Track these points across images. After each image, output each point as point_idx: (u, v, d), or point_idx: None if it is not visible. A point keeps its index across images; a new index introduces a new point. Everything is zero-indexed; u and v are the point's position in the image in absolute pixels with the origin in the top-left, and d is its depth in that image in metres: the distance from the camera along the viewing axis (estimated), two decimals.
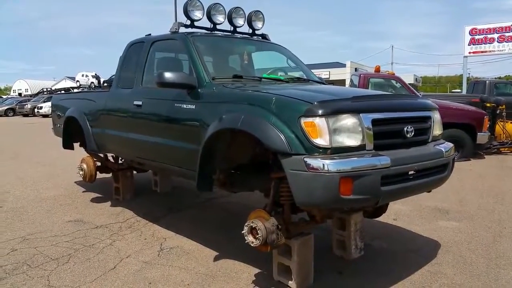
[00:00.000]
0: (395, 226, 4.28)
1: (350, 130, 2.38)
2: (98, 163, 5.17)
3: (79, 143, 5.50)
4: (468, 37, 21.57)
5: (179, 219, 4.52)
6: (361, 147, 2.41)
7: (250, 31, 4.12)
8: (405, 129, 2.66)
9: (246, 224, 2.76)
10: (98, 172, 5.14)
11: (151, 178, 5.88)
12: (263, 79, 3.42)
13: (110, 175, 5.35)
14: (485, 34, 21.20)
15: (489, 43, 21.14)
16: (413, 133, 2.70)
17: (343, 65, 38.71)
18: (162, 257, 3.46)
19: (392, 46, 50.67)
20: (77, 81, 42.25)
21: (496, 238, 3.93)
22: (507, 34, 20.69)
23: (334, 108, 2.38)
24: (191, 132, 3.12)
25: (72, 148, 5.57)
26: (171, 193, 5.71)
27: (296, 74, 3.99)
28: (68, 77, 56.90)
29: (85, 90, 6.61)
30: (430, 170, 2.76)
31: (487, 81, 13.73)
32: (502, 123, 9.30)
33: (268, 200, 2.88)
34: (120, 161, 5.20)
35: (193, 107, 3.12)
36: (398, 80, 9.12)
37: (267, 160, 3.09)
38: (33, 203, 5.14)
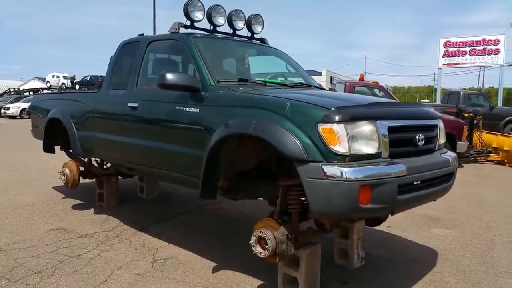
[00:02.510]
0: (390, 234, 4.27)
1: (367, 137, 2.33)
2: (81, 168, 4.91)
3: (59, 146, 5.23)
4: (442, 49, 22.35)
5: (169, 227, 4.33)
6: (377, 155, 2.36)
7: (249, 34, 4.02)
8: (417, 137, 2.64)
9: (253, 233, 2.65)
10: (81, 178, 4.88)
11: (136, 184, 5.64)
12: (267, 84, 3.33)
13: (89, 180, 5.08)
14: (458, 47, 22.04)
15: (461, 55, 21.99)
16: (423, 142, 2.69)
17: (319, 73, 39.20)
18: (156, 269, 3.27)
19: (366, 57, 52.04)
20: (47, 81, 40.95)
21: (488, 245, 3.98)
22: (477, 48, 21.61)
23: (352, 114, 2.32)
24: (194, 137, 2.98)
25: (53, 151, 5.27)
26: (157, 199, 5.49)
27: (296, 79, 3.92)
28: (37, 78, 54.85)
29: (56, 91, 6.30)
30: (439, 179, 2.75)
31: (461, 92, 14.23)
32: (478, 132, 9.60)
33: (276, 208, 2.78)
34: (105, 166, 4.96)
35: (197, 110, 2.98)
36: (381, 88, 9.29)
37: (270, 166, 3.01)
38: (8, 211, 4.80)
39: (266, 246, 2.56)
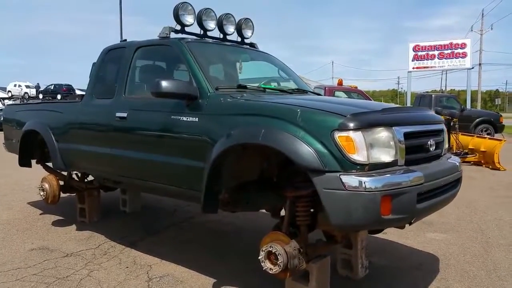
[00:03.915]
0: (387, 240, 4.21)
1: (385, 145, 2.24)
2: (61, 182, 4.60)
3: (36, 159, 4.89)
4: (411, 53, 22.94)
5: (159, 241, 4.10)
6: (394, 163, 2.27)
7: (239, 39, 3.88)
8: (429, 142, 2.58)
9: (262, 248, 2.50)
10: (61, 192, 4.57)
11: (118, 197, 5.36)
12: (266, 90, 3.19)
13: (67, 194, 4.78)
14: (426, 50, 22.69)
15: (430, 59, 22.64)
16: (434, 147, 2.63)
17: None
18: None
19: (333, 62, 52.89)
20: (9, 91, 39.15)
21: (486, 248, 3.98)
22: (445, 51, 22.33)
23: (369, 121, 2.23)
24: (192, 148, 2.80)
25: (29, 165, 4.92)
26: (141, 213, 5.23)
27: (289, 84, 3.81)
28: None
29: (18, 101, 5.94)
30: (450, 185, 2.69)
31: (433, 95, 14.59)
32: (455, 135, 9.81)
33: (283, 220, 2.64)
34: (86, 179, 4.67)
35: (196, 119, 2.80)
36: (360, 93, 9.35)
37: (271, 176, 2.87)
38: None
39: (277, 262, 2.42)
